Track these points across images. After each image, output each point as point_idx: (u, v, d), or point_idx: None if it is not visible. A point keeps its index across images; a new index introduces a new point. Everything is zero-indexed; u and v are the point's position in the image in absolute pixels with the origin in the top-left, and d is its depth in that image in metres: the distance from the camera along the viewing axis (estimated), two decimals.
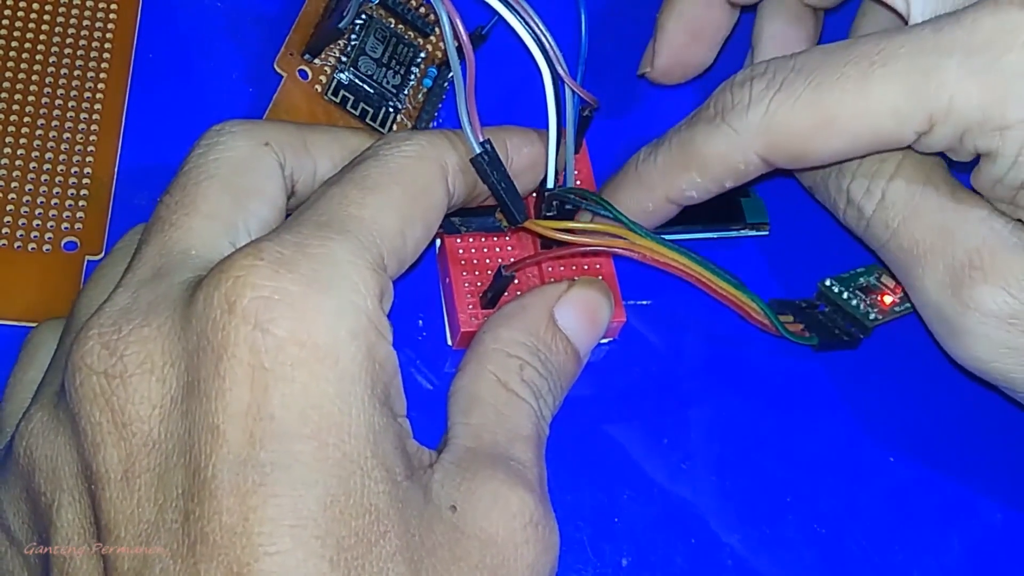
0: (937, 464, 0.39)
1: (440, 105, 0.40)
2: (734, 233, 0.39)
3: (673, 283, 0.36)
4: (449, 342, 0.37)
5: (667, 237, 0.35)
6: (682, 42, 0.39)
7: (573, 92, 0.34)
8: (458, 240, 0.36)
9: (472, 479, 0.29)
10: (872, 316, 0.38)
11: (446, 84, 0.40)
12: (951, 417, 0.39)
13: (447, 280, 0.36)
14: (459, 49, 0.32)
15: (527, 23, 0.33)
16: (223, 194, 0.30)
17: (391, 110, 0.39)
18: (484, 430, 0.31)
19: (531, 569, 0.29)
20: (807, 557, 0.37)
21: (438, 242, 0.37)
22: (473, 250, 0.36)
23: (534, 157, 0.35)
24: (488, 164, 0.33)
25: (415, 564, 0.27)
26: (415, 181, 0.31)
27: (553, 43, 0.34)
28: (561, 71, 0.34)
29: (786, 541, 0.37)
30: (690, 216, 0.37)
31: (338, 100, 0.38)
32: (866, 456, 0.38)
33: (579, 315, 0.34)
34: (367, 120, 0.38)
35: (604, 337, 0.37)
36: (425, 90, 0.40)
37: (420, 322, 0.37)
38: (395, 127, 0.39)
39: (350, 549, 0.26)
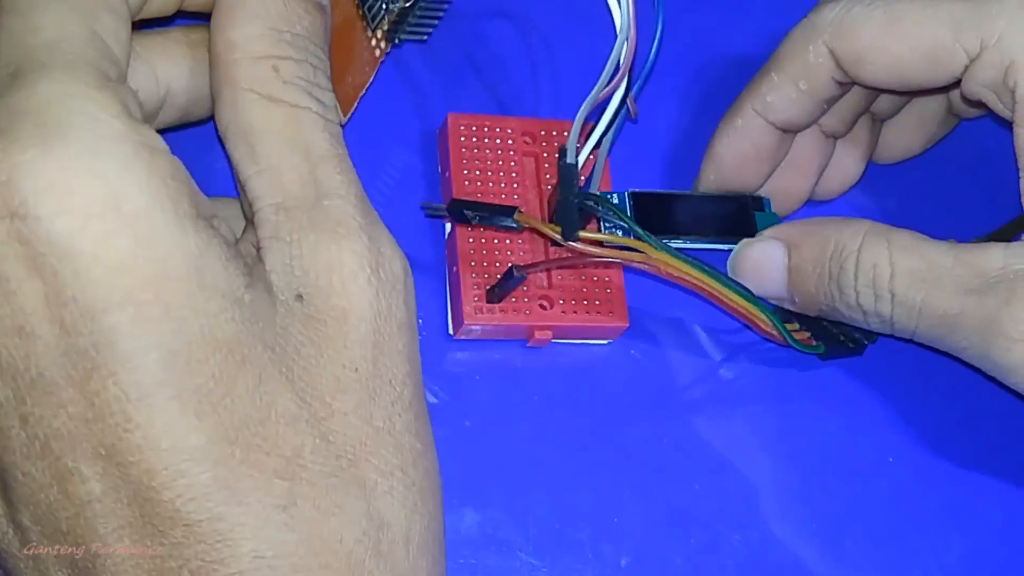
0: (937, 465, 0.39)
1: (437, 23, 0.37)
2: None
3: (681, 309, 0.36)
4: (450, 331, 0.37)
5: (681, 247, 0.36)
6: (731, 167, 0.38)
7: (623, 98, 0.34)
8: (469, 229, 0.36)
9: (301, 254, 0.27)
10: None
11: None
12: (951, 420, 0.39)
13: (454, 268, 0.36)
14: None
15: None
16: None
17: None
18: (280, 172, 0.28)
19: (388, 316, 0.28)
20: (807, 557, 0.37)
21: (447, 227, 0.37)
22: (483, 240, 0.36)
23: None
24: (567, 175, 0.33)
25: (287, 375, 0.26)
26: None
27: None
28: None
29: (786, 541, 0.37)
30: (704, 227, 0.38)
31: None
32: (866, 457, 0.38)
33: None
34: (363, 8, 0.35)
35: (603, 338, 0.37)
36: None
37: (420, 320, 0.37)
38: (384, 24, 0.36)
39: (212, 392, 0.25)
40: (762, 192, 0.39)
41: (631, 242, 0.34)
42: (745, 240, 0.38)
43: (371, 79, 0.36)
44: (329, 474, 0.26)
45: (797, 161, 0.39)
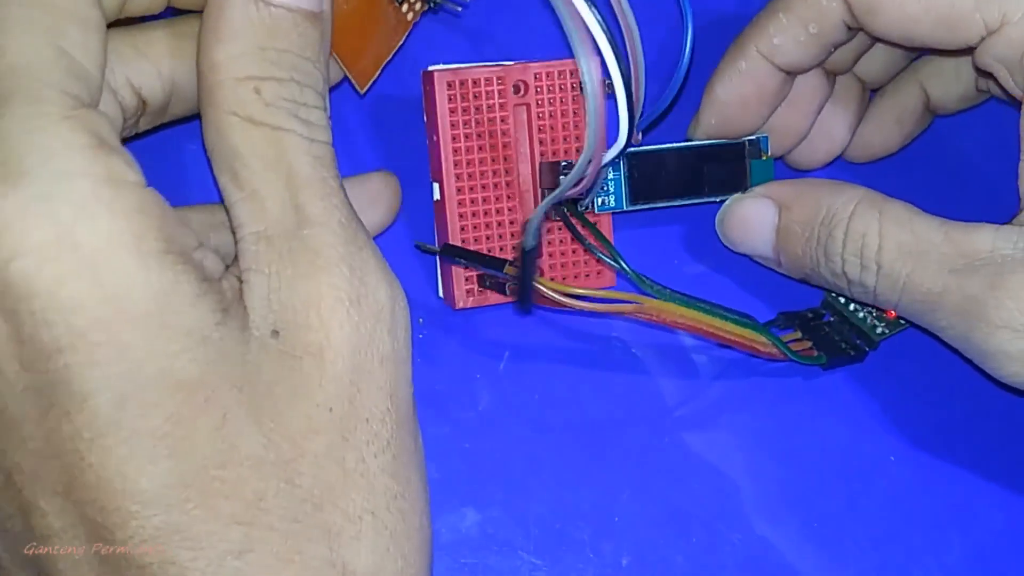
0: (937, 465, 0.39)
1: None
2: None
3: (673, 282, 0.36)
4: (440, 294, 0.36)
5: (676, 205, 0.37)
6: (733, 111, 0.37)
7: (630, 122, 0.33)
8: (459, 204, 0.35)
9: (279, 287, 0.26)
10: (879, 329, 0.38)
11: None
12: (952, 421, 0.39)
13: (447, 243, 0.35)
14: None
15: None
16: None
17: None
18: (263, 199, 0.27)
19: (369, 350, 0.27)
20: (807, 557, 0.37)
21: (436, 195, 0.35)
22: (475, 225, 0.35)
23: None
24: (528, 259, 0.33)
25: (255, 416, 0.25)
26: None
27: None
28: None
29: (787, 541, 0.37)
30: (699, 184, 0.37)
31: None
32: (867, 457, 0.38)
33: None
34: None
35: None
36: None
37: (420, 321, 0.37)
38: None
39: (168, 435, 0.24)
40: (760, 130, 0.39)
41: (625, 295, 0.34)
42: (736, 196, 0.37)
43: (399, 45, 0.34)
44: (292, 519, 0.25)
45: (797, 100, 0.38)
